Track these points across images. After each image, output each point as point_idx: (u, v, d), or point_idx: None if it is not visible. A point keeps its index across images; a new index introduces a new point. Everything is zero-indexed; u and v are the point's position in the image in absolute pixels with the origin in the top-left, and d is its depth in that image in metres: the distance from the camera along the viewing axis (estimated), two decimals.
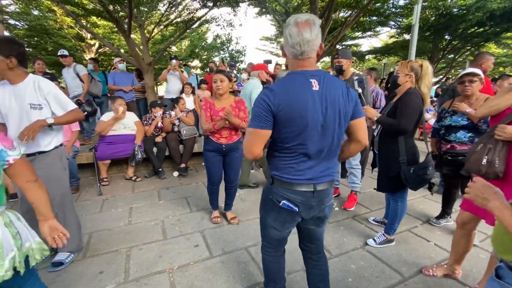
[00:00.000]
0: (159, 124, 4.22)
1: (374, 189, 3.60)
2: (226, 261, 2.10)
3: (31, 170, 1.21)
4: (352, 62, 2.89)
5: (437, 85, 8.84)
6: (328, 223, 2.70)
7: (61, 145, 2.07)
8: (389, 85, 5.66)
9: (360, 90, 2.27)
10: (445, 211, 2.71)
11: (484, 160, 1.45)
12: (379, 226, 2.65)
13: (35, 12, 10.49)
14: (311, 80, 1.13)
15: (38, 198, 1.19)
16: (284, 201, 1.23)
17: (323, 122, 1.14)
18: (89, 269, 2.02)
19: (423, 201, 3.25)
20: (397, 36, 13.91)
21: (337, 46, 12.02)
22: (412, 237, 2.47)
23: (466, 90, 2.21)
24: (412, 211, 2.93)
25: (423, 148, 2.22)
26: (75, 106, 2.00)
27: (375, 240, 2.32)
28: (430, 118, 5.79)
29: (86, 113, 4.41)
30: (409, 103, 1.99)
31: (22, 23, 10.53)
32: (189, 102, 5.07)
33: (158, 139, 4.15)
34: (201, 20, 7.15)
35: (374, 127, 2.39)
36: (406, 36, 12.79)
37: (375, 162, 2.47)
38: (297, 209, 1.24)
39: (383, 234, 2.33)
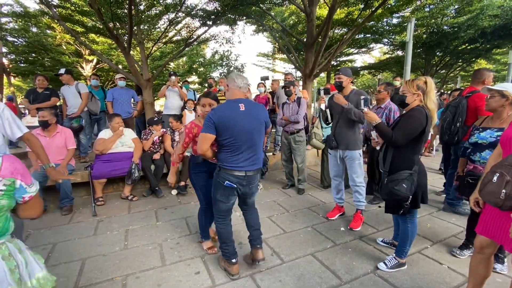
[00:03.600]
0: (155, 138, 4.13)
1: (379, 206, 3.54)
2: None
3: (40, 207, 1.17)
4: (352, 81, 2.95)
5: None
6: (335, 245, 2.59)
7: None
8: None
9: (365, 109, 2.25)
10: (470, 240, 2.37)
11: (503, 194, 1.36)
12: (388, 247, 2.54)
13: (34, 29, 10.57)
14: (239, 104, 1.90)
15: None
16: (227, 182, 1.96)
17: (248, 129, 1.90)
18: None
19: (430, 219, 3.16)
20: (390, 52, 14.28)
21: (332, 62, 12.22)
22: (423, 260, 2.36)
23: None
24: (420, 231, 2.82)
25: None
26: None
27: (386, 264, 2.20)
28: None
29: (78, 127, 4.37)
30: (409, 119, 1.99)
31: (20, 39, 10.57)
32: (191, 118, 5.00)
33: (156, 156, 4.04)
34: (200, 38, 7.23)
35: (378, 147, 2.34)
36: (399, 53, 13.13)
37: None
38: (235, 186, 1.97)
39: (394, 257, 2.22)
